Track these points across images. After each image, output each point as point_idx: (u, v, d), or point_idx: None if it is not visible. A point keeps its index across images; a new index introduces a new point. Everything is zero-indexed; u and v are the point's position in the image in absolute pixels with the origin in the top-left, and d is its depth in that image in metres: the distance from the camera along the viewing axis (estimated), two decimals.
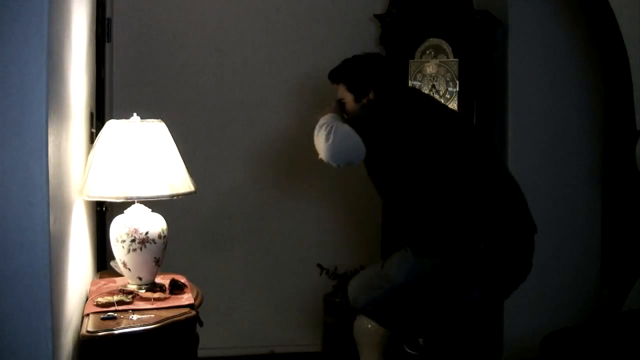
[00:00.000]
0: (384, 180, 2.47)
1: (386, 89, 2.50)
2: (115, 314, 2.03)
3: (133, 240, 2.24)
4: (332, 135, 2.28)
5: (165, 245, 2.33)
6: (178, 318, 2.06)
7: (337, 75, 2.59)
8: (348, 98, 2.56)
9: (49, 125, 1.59)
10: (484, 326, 3.34)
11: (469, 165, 2.39)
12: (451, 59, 3.36)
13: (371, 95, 2.51)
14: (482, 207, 2.35)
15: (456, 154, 2.38)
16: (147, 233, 2.26)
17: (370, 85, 2.52)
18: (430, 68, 3.41)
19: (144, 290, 2.26)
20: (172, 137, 2.39)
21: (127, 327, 1.95)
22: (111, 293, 2.23)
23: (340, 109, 2.58)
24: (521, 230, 2.40)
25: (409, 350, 2.84)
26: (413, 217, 2.42)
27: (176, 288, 2.28)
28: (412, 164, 2.36)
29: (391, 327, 2.82)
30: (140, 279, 2.30)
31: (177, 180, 2.31)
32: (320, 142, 2.32)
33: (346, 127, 2.32)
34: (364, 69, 2.56)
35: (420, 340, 2.70)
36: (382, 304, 2.55)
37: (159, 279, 2.37)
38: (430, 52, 3.42)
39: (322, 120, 2.42)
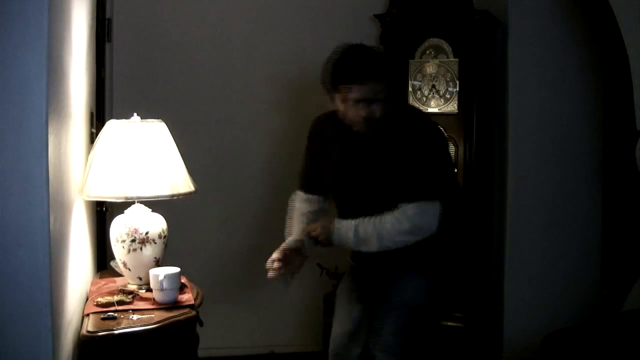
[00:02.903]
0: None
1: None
2: (115, 314, 2.04)
3: (133, 240, 2.24)
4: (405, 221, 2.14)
5: (165, 245, 2.33)
6: (178, 318, 2.07)
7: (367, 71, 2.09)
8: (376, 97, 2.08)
9: (49, 125, 1.59)
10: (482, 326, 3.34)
11: None
12: (451, 59, 3.36)
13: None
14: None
15: None
16: (147, 233, 2.26)
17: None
18: (430, 68, 3.41)
19: (144, 290, 2.26)
20: (172, 137, 2.39)
21: (127, 327, 1.95)
22: (111, 293, 2.24)
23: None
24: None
25: None
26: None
27: None
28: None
29: None
30: (140, 279, 2.30)
31: (177, 180, 2.31)
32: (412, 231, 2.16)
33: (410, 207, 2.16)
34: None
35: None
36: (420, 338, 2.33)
37: None
38: (430, 52, 3.41)
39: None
